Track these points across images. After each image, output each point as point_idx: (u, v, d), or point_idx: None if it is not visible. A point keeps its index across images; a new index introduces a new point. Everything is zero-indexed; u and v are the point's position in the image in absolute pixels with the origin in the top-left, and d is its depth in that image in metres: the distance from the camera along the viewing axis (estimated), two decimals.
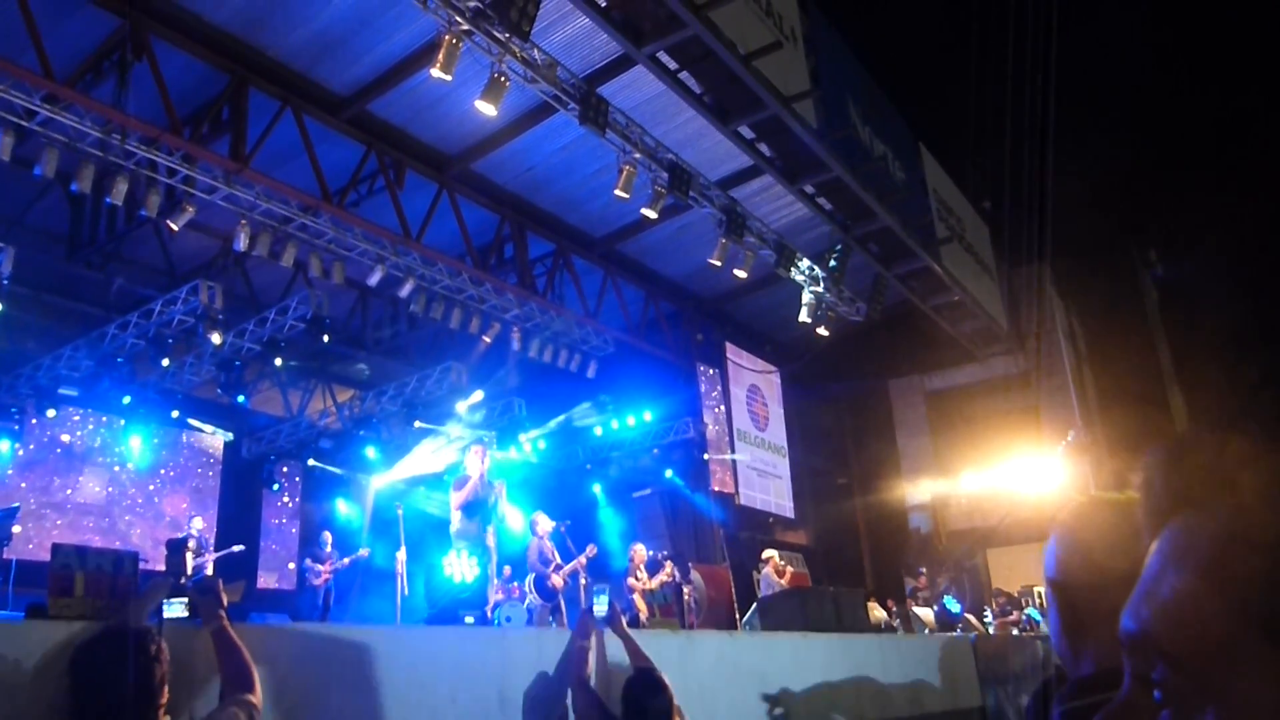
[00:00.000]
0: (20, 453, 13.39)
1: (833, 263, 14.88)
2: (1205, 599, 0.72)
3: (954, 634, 13.06)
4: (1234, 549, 0.72)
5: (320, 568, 12.93)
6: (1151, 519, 0.81)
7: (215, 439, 15.94)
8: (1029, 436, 18.77)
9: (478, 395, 15.97)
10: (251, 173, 10.68)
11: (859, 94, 14.53)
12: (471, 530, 8.11)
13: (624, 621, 5.44)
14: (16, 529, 9.66)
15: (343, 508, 16.48)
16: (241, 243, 11.19)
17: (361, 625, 9.73)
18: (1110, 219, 20.12)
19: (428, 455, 16.10)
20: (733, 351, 17.48)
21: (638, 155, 11.69)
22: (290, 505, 16.92)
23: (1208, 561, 0.73)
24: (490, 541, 8.19)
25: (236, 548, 12.73)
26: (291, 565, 16.09)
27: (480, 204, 13.54)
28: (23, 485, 13.43)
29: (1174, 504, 0.79)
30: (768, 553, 13.62)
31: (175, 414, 14.60)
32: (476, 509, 8.17)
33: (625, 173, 11.54)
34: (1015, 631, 14.10)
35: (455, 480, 8.39)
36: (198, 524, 12.67)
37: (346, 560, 13.16)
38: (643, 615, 11.46)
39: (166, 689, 2.94)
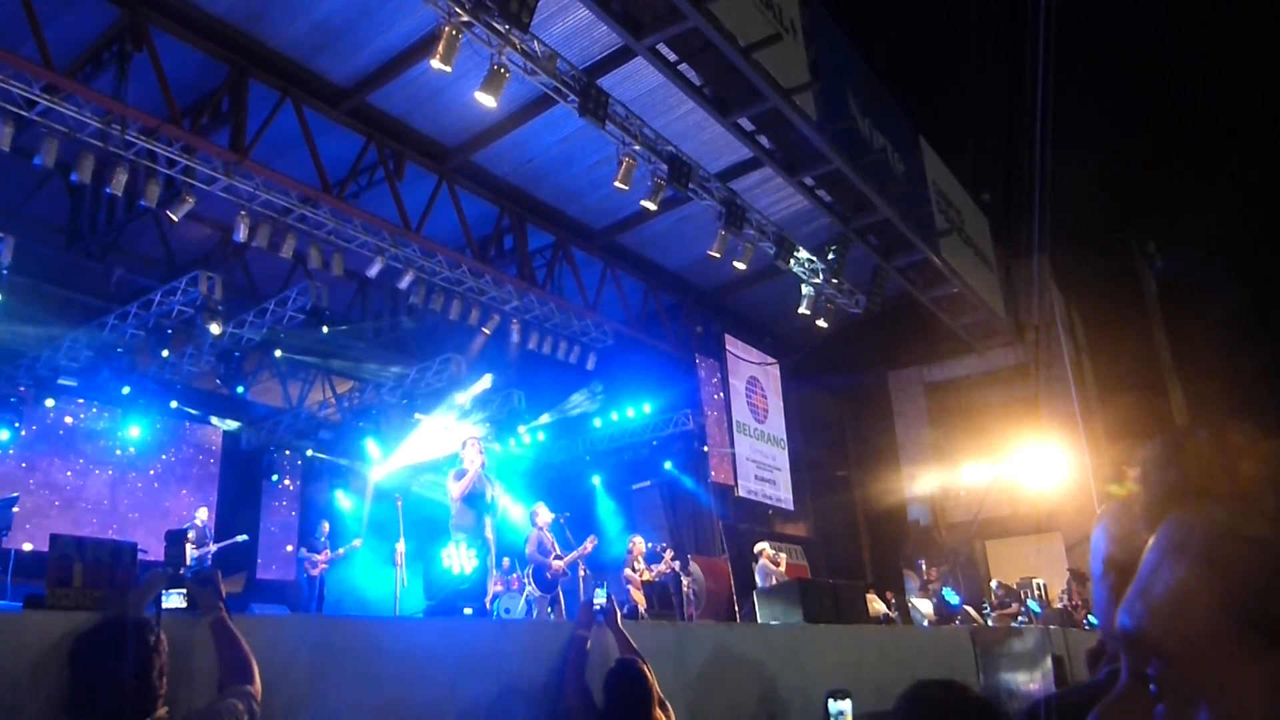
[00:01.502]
0: (20, 442, 13.40)
1: (832, 255, 14.87)
2: (1198, 594, 0.73)
3: (952, 626, 13.10)
4: (1228, 544, 0.73)
5: (316, 558, 12.97)
6: (1148, 514, 0.81)
7: (215, 429, 15.95)
8: (1029, 428, 18.77)
9: (486, 381, 15.96)
10: (251, 164, 10.67)
11: (858, 86, 14.50)
12: (470, 522, 8.11)
13: (620, 615, 5.47)
14: (16, 509, 9.67)
15: (342, 499, 16.50)
16: (241, 234, 11.19)
17: (361, 616, 9.76)
18: (1109, 210, 20.12)
19: (427, 441, 16.10)
20: (732, 343, 17.49)
21: (637, 147, 11.68)
22: (290, 496, 16.95)
23: (1201, 556, 0.74)
24: (489, 534, 8.20)
25: (240, 538, 12.76)
26: (290, 548, 16.12)
27: (480, 195, 13.53)
28: (22, 473, 13.45)
29: (1171, 499, 0.79)
30: (758, 546, 13.65)
31: (174, 404, 14.62)
32: (475, 501, 8.18)
33: (625, 164, 11.53)
34: (1014, 623, 14.13)
35: (454, 472, 8.39)
36: (202, 515, 12.71)
37: (341, 551, 13.19)
38: (641, 607, 11.48)
39: (165, 680, 2.95)
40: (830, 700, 3.90)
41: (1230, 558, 0.72)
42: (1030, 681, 9.77)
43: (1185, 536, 0.76)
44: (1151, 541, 0.79)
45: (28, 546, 11.45)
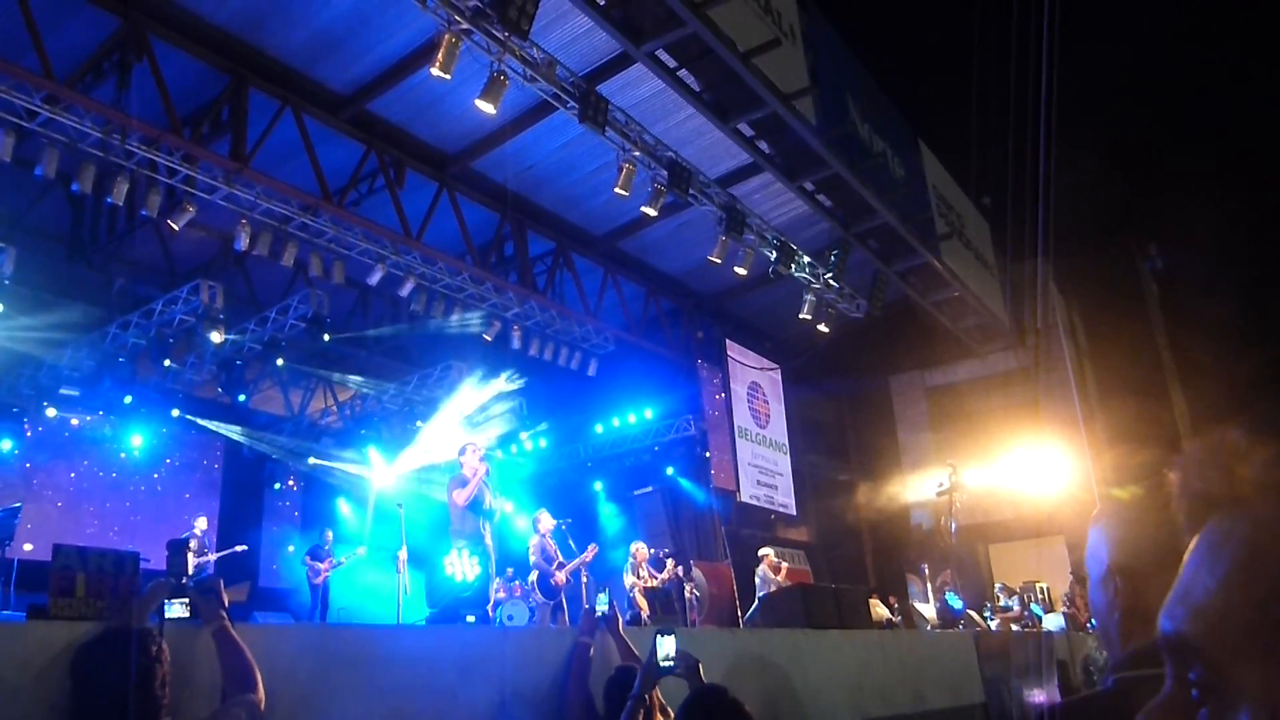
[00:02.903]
0: (22, 451, 13.40)
1: (832, 259, 14.87)
2: (1236, 598, 0.72)
3: (956, 630, 13.08)
4: (1266, 548, 0.72)
5: (319, 566, 12.96)
6: (1189, 520, 0.81)
7: (216, 438, 15.95)
8: (1030, 432, 18.75)
9: (504, 380, 15.90)
10: (252, 172, 10.69)
11: (858, 90, 14.51)
12: (471, 529, 8.10)
13: (621, 622, 5.46)
14: (28, 547, 9.72)
15: (344, 506, 16.50)
16: (242, 242, 11.21)
17: (363, 625, 9.75)
18: (1110, 213, 20.12)
19: (429, 448, 16.10)
20: (733, 349, 17.48)
21: (637, 153, 11.69)
22: (292, 504, 16.93)
23: (1239, 561, 0.74)
24: (489, 540, 8.18)
25: (239, 548, 12.76)
26: (292, 549, 16.09)
27: (480, 202, 13.54)
28: (24, 482, 13.45)
29: (1210, 505, 0.79)
30: (762, 551, 13.64)
31: (176, 413, 14.63)
32: (475, 508, 8.16)
33: (625, 170, 11.54)
34: (1017, 627, 14.11)
35: (454, 479, 8.35)
36: (201, 524, 12.70)
37: (344, 559, 13.18)
38: (644, 613, 11.47)
39: (168, 689, 2.95)
40: (658, 636, 4.17)
41: (1268, 562, 0.72)
42: (1033, 686, 9.75)
43: (1224, 539, 0.76)
44: (1192, 545, 0.79)
45: (28, 546, 11.45)
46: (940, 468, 17.40)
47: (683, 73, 11.18)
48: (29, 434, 13.51)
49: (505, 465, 17.21)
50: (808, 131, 12.26)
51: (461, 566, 7.82)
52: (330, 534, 13.60)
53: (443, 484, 11.66)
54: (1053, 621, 13.96)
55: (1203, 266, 20.13)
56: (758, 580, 13.12)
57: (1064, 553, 18.05)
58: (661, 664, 4.18)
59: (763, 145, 12.77)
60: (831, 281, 15.21)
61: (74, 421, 14.14)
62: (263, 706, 3.22)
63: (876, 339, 18.74)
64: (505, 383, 16.29)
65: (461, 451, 8.49)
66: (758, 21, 11.27)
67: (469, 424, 16.09)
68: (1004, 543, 20.13)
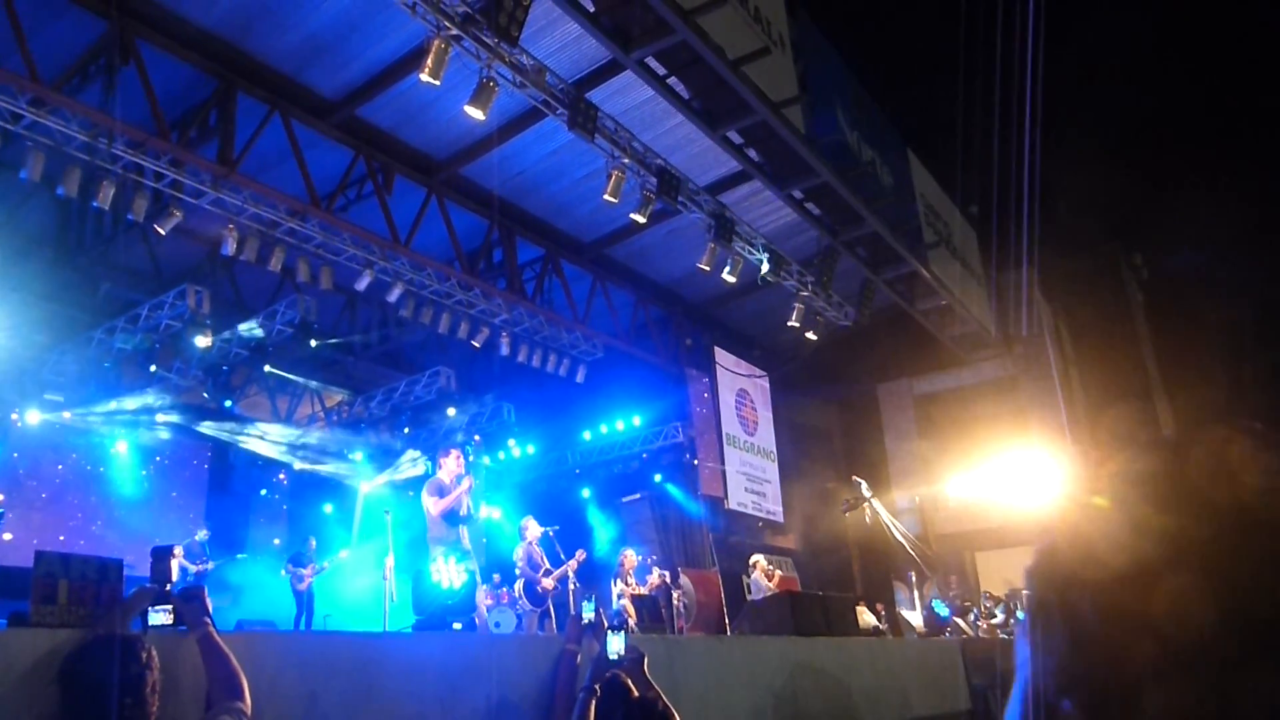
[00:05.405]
0: (6, 455, 13.31)
1: (821, 267, 14.91)
2: (1202, 601, 0.72)
3: (942, 637, 13.10)
4: (1233, 551, 0.73)
5: (303, 572, 12.91)
6: (1154, 520, 0.81)
7: (203, 444, 15.87)
8: (1017, 439, 18.82)
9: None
10: (239, 177, 10.65)
11: (847, 99, 14.55)
12: (449, 535, 8.05)
13: (607, 625, 5.46)
14: (8, 536, 9.66)
15: (331, 512, 16.43)
16: (229, 247, 11.17)
17: (348, 632, 9.70)
18: (1096, 223, 20.22)
19: (415, 454, 16.07)
20: (721, 356, 17.50)
21: (626, 160, 11.70)
22: (278, 509, 16.84)
23: (1206, 563, 0.74)
24: (467, 544, 8.14)
25: (239, 556, 12.73)
26: (277, 546, 16.01)
27: (469, 208, 13.52)
28: (7, 486, 13.35)
29: (1176, 504, 0.79)
30: (755, 557, 13.65)
31: (161, 419, 14.54)
32: (453, 516, 8.11)
33: (614, 178, 11.53)
34: (1003, 635, 14.13)
35: (431, 484, 8.26)
36: (201, 534, 12.67)
37: (326, 564, 13.13)
38: (631, 620, 11.44)
39: (158, 697, 2.93)
40: (609, 633, 4.90)
41: (1235, 564, 0.72)
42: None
43: (1187, 544, 0.76)
44: (1154, 548, 0.79)
45: (7, 536, 11.39)
46: (929, 480, 17.42)
47: (672, 80, 11.19)
48: (13, 442, 13.40)
49: (493, 472, 17.18)
50: (796, 140, 12.28)
51: (448, 573, 7.78)
52: (313, 540, 13.55)
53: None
54: None
55: (1189, 275, 20.26)
56: (751, 586, 13.11)
57: None
58: (611, 658, 4.72)
59: (752, 153, 12.78)
60: (820, 289, 15.24)
61: (66, 415, 14.03)
62: (249, 714, 3.20)
63: (865, 347, 18.78)
64: (493, 389, 16.27)
65: (440, 456, 8.42)
66: (747, 29, 11.29)
67: (455, 431, 16.07)
68: (991, 550, 20.17)
